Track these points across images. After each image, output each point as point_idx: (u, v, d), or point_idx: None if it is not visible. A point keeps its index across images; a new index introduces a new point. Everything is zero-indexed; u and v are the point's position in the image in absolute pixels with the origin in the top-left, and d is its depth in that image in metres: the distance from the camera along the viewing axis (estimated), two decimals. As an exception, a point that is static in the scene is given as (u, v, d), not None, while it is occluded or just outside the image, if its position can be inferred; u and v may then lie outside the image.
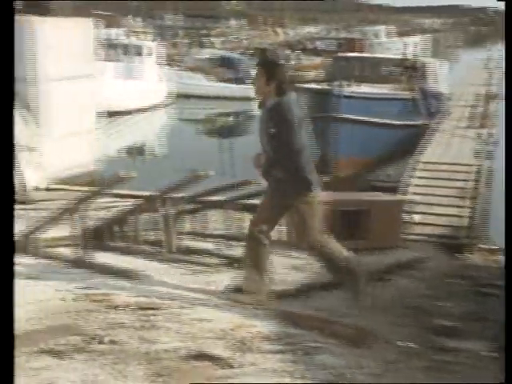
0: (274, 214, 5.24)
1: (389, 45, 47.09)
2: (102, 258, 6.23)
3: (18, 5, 18.62)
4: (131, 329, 4.17)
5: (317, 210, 5.13)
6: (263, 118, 5.16)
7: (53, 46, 15.23)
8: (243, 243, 5.58)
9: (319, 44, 54.51)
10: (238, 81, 35.53)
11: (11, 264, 3.33)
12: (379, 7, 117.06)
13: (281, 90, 5.08)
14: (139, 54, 32.14)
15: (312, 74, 38.43)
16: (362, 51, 38.66)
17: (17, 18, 16.68)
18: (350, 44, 45.57)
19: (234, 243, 7.30)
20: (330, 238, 5.25)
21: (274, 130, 5.01)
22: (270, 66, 5.19)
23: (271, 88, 5.09)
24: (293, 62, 41.18)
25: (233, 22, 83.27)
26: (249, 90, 36.50)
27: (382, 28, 57.24)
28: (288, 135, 4.98)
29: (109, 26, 44.04)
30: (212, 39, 60.76)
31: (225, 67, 37.93)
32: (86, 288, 5.14)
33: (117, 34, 40.36)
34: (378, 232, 7.79)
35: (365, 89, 19.65)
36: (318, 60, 44.84)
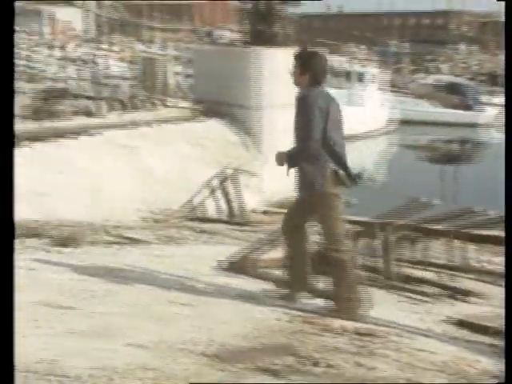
0: (302, 208, 5.35)
1: None
2: (318, 281, 6.25)
3: (246, 37, 19.75)
4: (347, 353, 4.13)
5: (319, 206, 5.19)
6: (295, 108, 5.27)
7: (278, 74, 15.87)
8: (467, 275, 5.34)
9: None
10: (466, 107, 34.52)
11: (11, 264, 3.39)
12: None
13: (314, 82, 5.24)
14: (361, 80, 32.43)
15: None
16: None
17: (245, 49, 17.84)
18: None
19: (457, 274, 7.00)
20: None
21: (297, 120, 5.18)
22: (304, 57, 5.37)
23: (305, 79, 5.26)
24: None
25: (462, 47, 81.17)
26: (477, 116, 35.61)
27: None
28: (308, 126, 5.07)
29: (332, 53, 44.94)
30: (439, 65, 59.70)
31: (452, 93, 37.05)
32: (300, 310, 5.19)
33: (339, 61, 41.08)
34: None
35: None
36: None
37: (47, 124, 13.81)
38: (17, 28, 29.91)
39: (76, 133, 13.12)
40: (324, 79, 5.33)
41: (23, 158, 10.38)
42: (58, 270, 6.24)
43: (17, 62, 24.65)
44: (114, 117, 15.93)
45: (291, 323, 4.79)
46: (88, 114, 16.10)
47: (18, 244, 7.12)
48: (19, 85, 22.92)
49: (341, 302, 5.17)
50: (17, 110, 15.91)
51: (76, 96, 18.61)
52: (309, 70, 5.28)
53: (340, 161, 5.16)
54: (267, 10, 18.79)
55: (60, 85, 22.32)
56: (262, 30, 18.67)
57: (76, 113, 16.00)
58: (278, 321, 4.85)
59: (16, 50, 25.25)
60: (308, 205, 5.32)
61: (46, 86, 21.27)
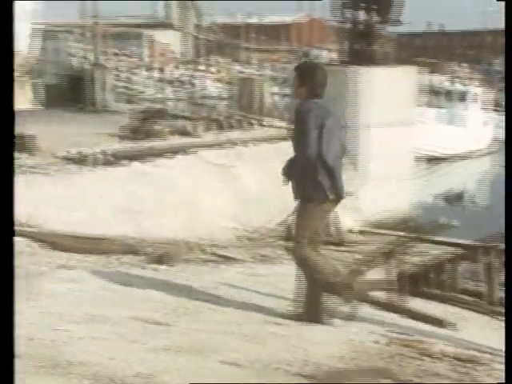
0: (318, 223, 5.41)
1: None
2: (417, 303, 6.13)
3: (343, 56, 19.77)
4: (447, 379, 4.00)
5: (313, 219, 5.29)
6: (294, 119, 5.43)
7: (375, 93, 15.77)
8: None
9: None
10: None
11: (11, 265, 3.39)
12: None
13: (312, 94, 5.37)
14: (463, 99, 31.75)
15: None
16: None
17: (342, 68, 17.82)
18: None
19: None
20: (319, 253, 5.32)
21: (294, 132, 5.36)
22: (303, 70, 5.57)
23: (303, 91, 5.41)
24: None
25: None
26: None
27: None
28: (302, 138, 5.23)
29: (433, 72, 44.26)
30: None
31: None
32: (399, 333, 5.08)
33: (440, 80, 40.41)
34: None
35: None
36: None
37: (145, 143, 14.18)
38: (117, 51, 30.94)
39: (173, 152, 13.40)
40: (322, 92, 5.45)
41: (121, 176, 10.69)
42: (153, 286, 6.35)
43: (117, 83, 25.50)
44: (210, 136, 16.18)
45: (389, 346, 4.69)
46: (185, 133, 16.42)
47: (114, 260, 7.32)
48: (119, 106, 23.73)
49: (306, 307, 5.33)
50: (116, 129, 16.45)
51: (173, 116, 19.02)
52: (307, 83, 5.43)
53: (330, 173, 5.26)
54: (366, 30, 18.72)
55: (158, 105, 22.90)
56: (360, 49, 18.61)
57: (173, 133, 16.33)
58: (376, 343, 4.75)
59: (116, 72, 26.12)
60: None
61: (144, 106, 21.86)
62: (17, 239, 7.35)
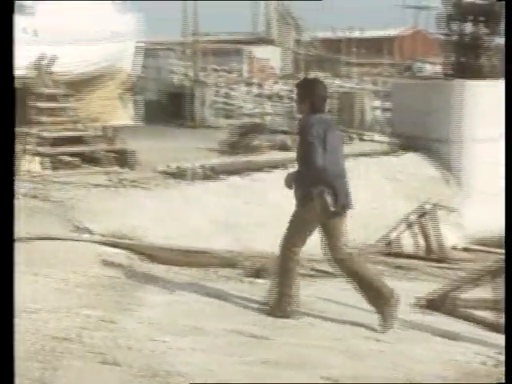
0: (302, 231, 5.77)
1: None
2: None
3: (448, 69, 19.39)
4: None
5: (337, 228, 5.69)
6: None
7: (481, 108, 15.41)
8: None
9: None
10: None
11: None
12: None
13: (313, 109, 5.66)
14: None
15: None
16: None
17: (447, 81, 17.48)
18: None
19: None
20: (357, 258, 5.81)
21: (298, 145, 5.71)
22: (303, 86, 5.89)
23: (305, 106, 5.72)
24: None
25: None
26: None
27: None
28: (305, 152, 5.54)
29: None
30: None
31: None
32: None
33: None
34: None
35: None
36: None
37: (243, 158, 14.30)
38: (217, 67, 31.44)
39: (271, 166, 13.45)
40: (323, 106, 5.74)
41: (220, 190, 10.82)
42: (251, 300, 6.36)
43: (216, 99, 25.90)
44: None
45: (497, 368, 4.51)
46: (283, 148, 16.43)
47: (211, 273, 7.39)
48: (218, 121, 24.10)
49: (273, 298, 5.75)
50: (215, 144, 16.69)
51: (272, 131, 19.12)
52: (308, 98, 5.72)
53: (331, 186, 5.56)
54: (474, 42, 18.30)
55: (257, 120, 23.08)
56: (466, 62, 18.20)
57: (272, 147, 16.40)
58: (483, 365, 4.58)
59: (215, 88, 26.53)
60: (307, 227, 5.79)
61: (243, 121, 22.09)
62: (117, 251, 7.55)
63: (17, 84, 12.10)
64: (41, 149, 11.07)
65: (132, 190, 11.21)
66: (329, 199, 5.56)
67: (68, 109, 12.05)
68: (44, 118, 11.14)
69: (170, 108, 24.71)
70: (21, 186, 10.61)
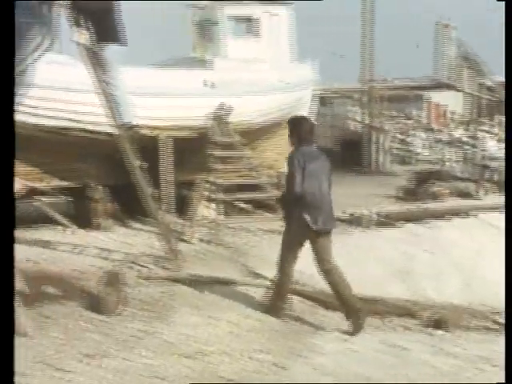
0: (291, 246, 6.93)
1: None
2: None
3: None
4: None
5: (322, 245, 6.85)
6: None
7: None
8: None
9: None
10: None
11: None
12: None
13: (299, 142, 6.90)
14: None
15: None
16: None
17: None
18: None
19: None
20: (340, 272, 6.90)
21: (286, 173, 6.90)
22: (291, 123, 7.15)
23: (292, 140, 6.99)
24: None
25: None
26: None
27: None
28: (289, 181, 6.78)
29: None
30: None
31: None
32: None
33: None
34: None
35: None
36: None
37: (421, 205, 14.02)
38: (394, 113, 31.24)
39: (451, 214, 13.08)
40: (308, 140, 6.90)
41: (395, 237, 10.68)
42: (434, 351, 6.20)
43: (392, 145, 25.74)
44: (492, 199, 15.56)
45: None
46: (465, 195, 16.00)
47: (386, 322, 7.26)
48: (395, 167, 23.92)
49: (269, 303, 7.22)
50: (391, 191, 16.55)
51: (452, 178, 18.66)
52: (295, 133, 6.96)
53: (309, 208, 6.69)
54: None
55: (435, 167, 22.65)
56: None
57: (452, 194, 16.00)
58: None
59: (392, 134, 26.35)
60: (296, 246, 6.96)
61: (421, 168, 21.76)
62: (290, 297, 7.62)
63: (195, 133, 12.80)
64: (216, 195, 11.46)
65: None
66: (308, 219, 6.68)
67: (243, 157, 12.44)
68: (220, 166, 11.56)
69: (345, 155, 24.88)
70: (196, 231, 11.07)
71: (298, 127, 7.00)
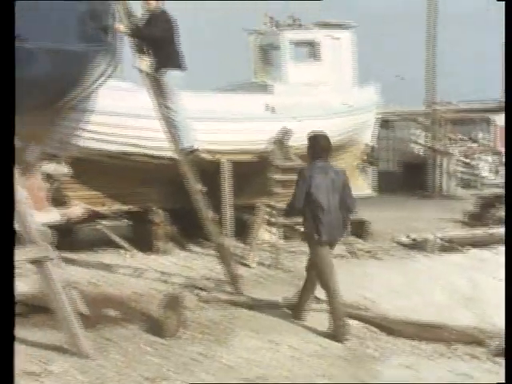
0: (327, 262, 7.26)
1: None
2: None
3: None
4: None
5: (319, 262, 7.24)
6: None
7: None
8: None
9: None
10: None
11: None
12: None
13: (314, 157, 7.30)
14: None
15: None
16: None
17: None
18: None
19: None
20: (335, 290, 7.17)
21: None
22: (309, 139, 7.40)
23: (309, 155, 7.38)
24: None
25: None
26: None
27: None
28: (294, 192, 7.19)
29: None
30: None
31: None
32: None
33: None
34: None
35: None
36: None
37: (487, 230, 13.75)
38: (459, 136, 30.84)
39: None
40: (324, 154, 7.28)
41: (459, 262, 10.50)
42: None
43: (457, 168, 25.36)
44: None
45: None
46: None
47: (452, 350, 7.10)
48: (460, 191, 23.55)
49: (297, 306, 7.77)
50: (455, 215, 16.26)
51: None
52: (311, 148, 7.32)
53: (311, 219, 7.10)
54: None
55: (499, 191, 22.26)
56: None
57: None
58: None
59: (457, 157, 25.96)
60: None
61: (487, 192, 21.37)
62: (353, 323, 7.54)
63: (256, 157, 12.84)
64: (276, 219, 11.46)
65: (368, 261, 11.26)
66: (311, 230, 7.11)
67: (304, 180, 12.43)
68: (280, 190, 11.57)
69: (408, 178, 24.61)
70: (256, 255, 11.09)
71: (315, 143, 7.34)
